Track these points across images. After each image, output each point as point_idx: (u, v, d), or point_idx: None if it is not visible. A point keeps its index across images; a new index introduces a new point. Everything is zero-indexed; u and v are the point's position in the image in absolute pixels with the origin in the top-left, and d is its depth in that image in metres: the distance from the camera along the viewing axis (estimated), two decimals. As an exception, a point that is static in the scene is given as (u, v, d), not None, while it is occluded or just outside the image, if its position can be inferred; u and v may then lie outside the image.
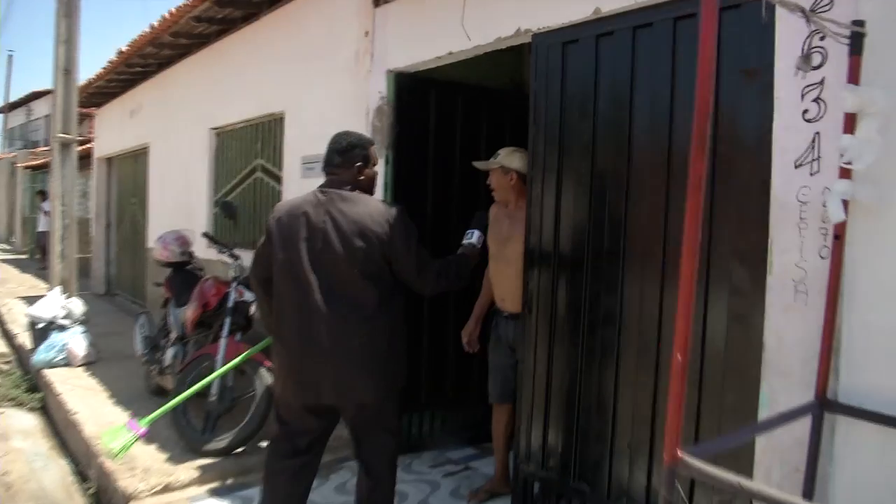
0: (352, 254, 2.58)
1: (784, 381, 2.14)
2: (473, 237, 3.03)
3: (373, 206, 2.66)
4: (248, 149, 5.97)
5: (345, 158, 2.74)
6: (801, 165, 2.08)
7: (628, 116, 2.68)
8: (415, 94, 4.05)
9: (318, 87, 4.74)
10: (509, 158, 3.36)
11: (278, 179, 5.42)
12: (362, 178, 2.76)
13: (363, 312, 2.59)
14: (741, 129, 2.31)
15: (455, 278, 2.83)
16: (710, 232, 2.36)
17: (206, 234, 5.05)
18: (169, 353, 4.74)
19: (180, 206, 7.11)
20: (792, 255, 2.11)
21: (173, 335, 4.82)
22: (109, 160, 10.77)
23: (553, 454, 3.02)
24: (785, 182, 2.12)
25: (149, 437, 3.92)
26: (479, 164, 3.50)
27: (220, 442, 3.90)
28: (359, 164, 2.74)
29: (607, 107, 2.77)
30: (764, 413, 2.18)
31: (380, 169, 4.03)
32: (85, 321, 6.42)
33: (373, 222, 2.60)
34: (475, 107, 4.24)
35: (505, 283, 3.40)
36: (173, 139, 7.47)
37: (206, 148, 6.59)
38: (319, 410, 2.71)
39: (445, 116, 4.15)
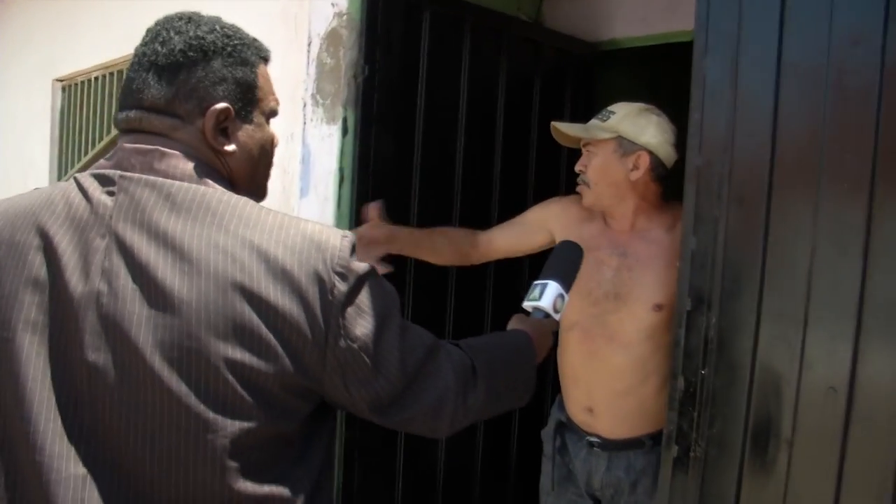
0: (206, 384, 0.79)
1: None
2: (546, 297, 1.27)
3: (271, 228, 0.85)
4: (111, 108, 4.22)
5: (181, 88, 0.89)
6: None
7: None
8: (396, 15, 2.33)
9: (222, 2, 2.96)
10: (634, 123, 1.65)
11: (155, 154, 3.64)
12: (232, 147, 0.93)
13: None
14: None
15: (507, 394, 1.11)
16: None
17: None
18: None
19: (15, 193, 5.17)
20: None
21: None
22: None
23: None
24: None
25: None
26: (566, 127, 1.74)
27: None
28: (223, 106, 0.90)
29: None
30: None
31: (333, 142, 2.33)
32: None
33: (268, 276, 0.82)
34: (491, 44, 2.56)
35: (600, 379, 1.71)
36: (6, 98, 5.61)
37: (48, 108, 4.81)
38: None
39: (445, 56, 2.45)
